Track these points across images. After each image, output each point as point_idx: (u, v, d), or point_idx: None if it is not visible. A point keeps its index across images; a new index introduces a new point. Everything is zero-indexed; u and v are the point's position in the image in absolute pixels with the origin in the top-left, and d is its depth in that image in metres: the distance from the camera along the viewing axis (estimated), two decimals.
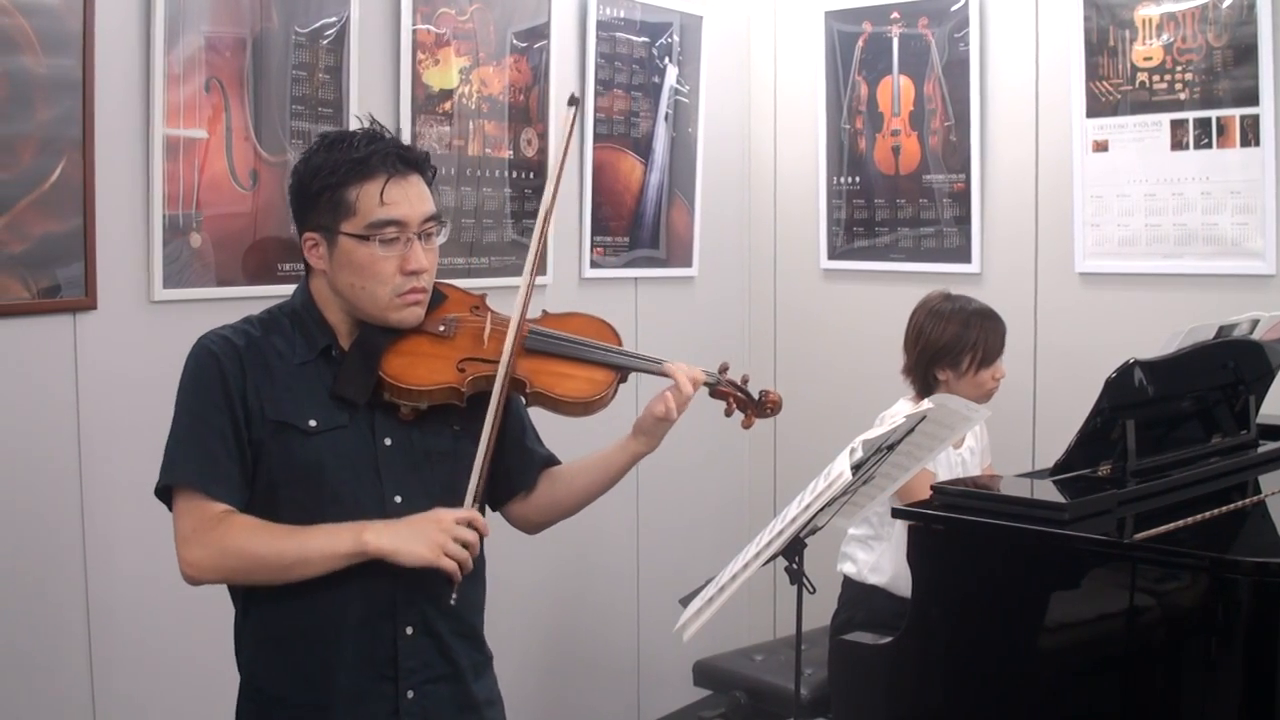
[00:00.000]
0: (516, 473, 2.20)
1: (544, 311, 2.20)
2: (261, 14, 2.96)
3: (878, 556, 3.29)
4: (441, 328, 2.05)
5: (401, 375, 1.99)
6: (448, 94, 3.44)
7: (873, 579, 3.29)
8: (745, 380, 2.24)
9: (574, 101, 2.18)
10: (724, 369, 2.23)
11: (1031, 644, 2.37)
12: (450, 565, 1.91)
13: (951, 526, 2.44)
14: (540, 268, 3.72)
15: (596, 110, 3.91)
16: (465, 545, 1.93)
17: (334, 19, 3.12)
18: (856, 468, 2.11)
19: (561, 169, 2.16)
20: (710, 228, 4.36)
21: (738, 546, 2.35)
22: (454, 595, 1.95)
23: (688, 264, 4.31)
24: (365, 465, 1.99)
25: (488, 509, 2.16)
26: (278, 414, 1.95)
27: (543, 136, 3.73)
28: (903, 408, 3.27)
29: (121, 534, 2.78)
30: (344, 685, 1.97)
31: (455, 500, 1.98)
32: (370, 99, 3.22)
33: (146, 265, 2.80)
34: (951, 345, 3.23)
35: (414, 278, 1.98)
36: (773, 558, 2.23)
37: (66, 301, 2.66)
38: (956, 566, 2.48)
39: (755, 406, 2.23)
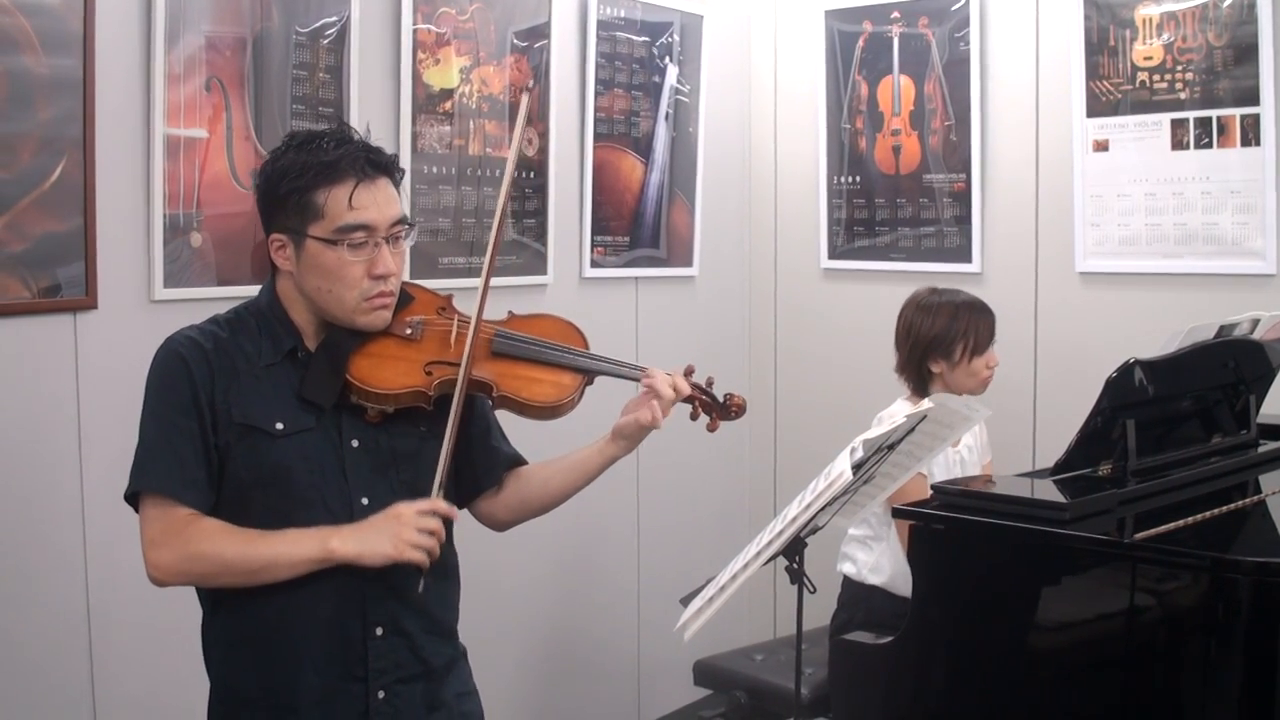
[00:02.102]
0: (482, 471, 2.19)
1: (510, 313, 2.18)
2: (262, 13, 2.96)
3: (877, 556, 3.29)
4: (409, 330, 2.05)
5: (368, 378, 1.98)
6: (448, 93, 3.44)
7: (872, 579, 3.28)
8: (710, 383, 2.21)
9: (528, 90, 2.19)
10: (689, 372, 2.20)
11: (1032, 643, 2.37)
12: (416, 556, 1.91)
13: (952, 526, 2.44)
14: (541, 268, 3.75)
15: (597, 110, 3.91)
16: (432, 533, 1.92)
17: (334, 18, 3.12)
18: (857, 467, 2.11)
19: (514, 160, 2.14)
20: (711, 227, 4.36)
21: (738, 546, 2.35)
22: (422, 583, 1.95)
23: (688, 264, 4.31)
24: (332, 467, 1.98)
25: (455, 509, 2.15)
26: (244, 417, 1.94)
27: (543, 136, 3.73)
28: (901, 408, 3.27)
29: (122, 533, 2.77)
30: (313, 685, 1.97)
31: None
32: (371, 98, 3.22)
33: (147, 265, 2.80)
34: (942, 336, 3.24)
35: (381, 281, 1.98)
36: (773, 557, 2.22)
37: (67, 301, 2.66)
38: (957, 566, 2.48)
39: (720, 409, 2.20)
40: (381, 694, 2.00)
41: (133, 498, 1.96)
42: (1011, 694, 2.37)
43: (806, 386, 4.45)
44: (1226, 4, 3.50)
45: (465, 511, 2.23)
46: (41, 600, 2.66)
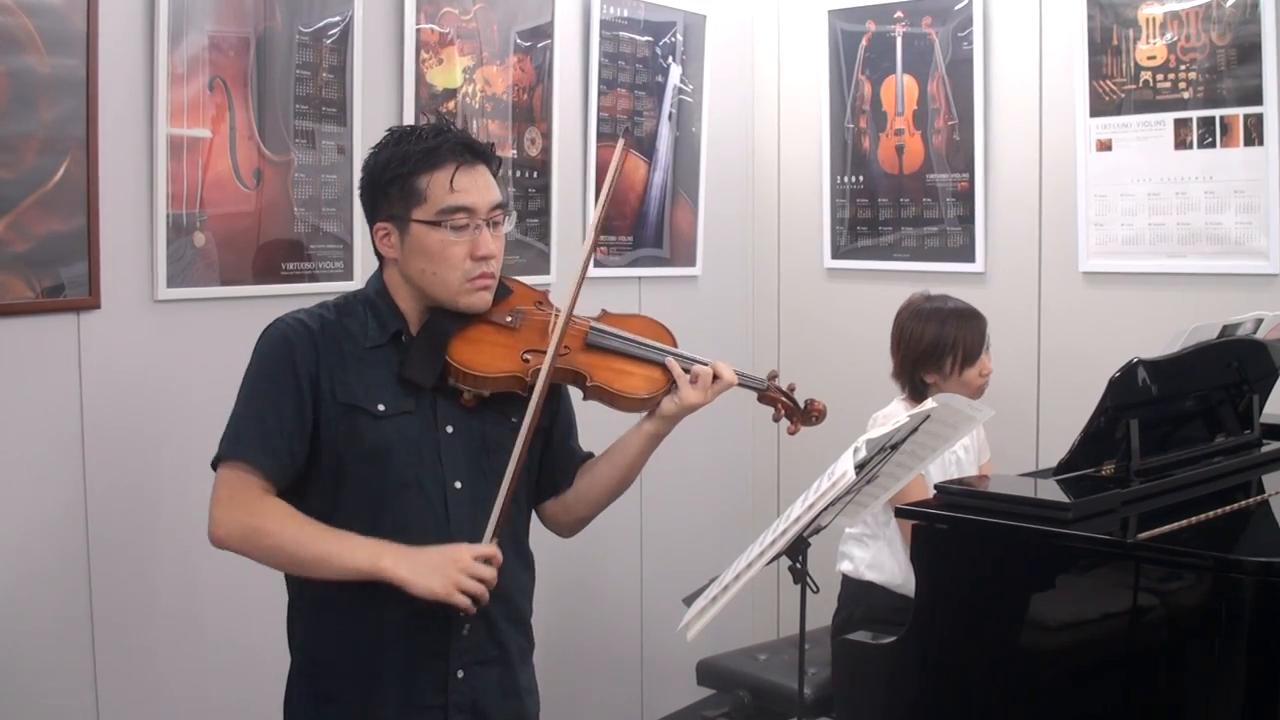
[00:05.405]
0: (560, 472, 2.27)
1: (603, 310, 2.28)
2: (265, 13, 2.96)
3: (874, 553, 3.29)
4: (509, 318, 2.14)
5: (467, 360, 2.07)
6: (451, 93, 3.44)
7: (870, 575, 3.29)
8: (792, 388, 2.38)
9: (626, 133, 2.27)
10: (772, 376, 2.36)
11: (1035, 644, 2.37)
12: (462, 602, 1.97)
13: (955, 526, 2.44)
14: (544, 268, 3.75)
15: (600, 110, 3.91)
16: (483, 581, 1.98)
17: (338, 18, 3.12)
18: (860, 467, 2.11)
19: (609, 190, 2.23)
20: (714, 227, 4.36)
21: (741, 546, 2.35)
22: (467, 625, 2.05)
23: (691, 263, 4.31)
24: (429, 451, 2.06)
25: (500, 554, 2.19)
26: (348, 396, 2.03)
27: (546, 136, 3.73)
28: (896, 408, 3.28)
29: (125, 534, 2.78)
30: (394, 657, 2.05)
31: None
32: (374, 98, 3.22)
33: (150, 264, 2.80)
34: (931, 348, 3.25)
35: (483, 263, 2.07)
36: (776, 557, 2.23)
37: (70, 301, 2.66)
38: (960, 566, 2.48)
39: (801, 414, 2.36)
40: (460, 673, 2.08)
41: (217, 465, 2.04)
42: (1015, 694, 2.37)
43: (809, 386, 4.41)
44: (1230, 3, 3.49)
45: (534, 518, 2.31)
46: (44, 601, 2.66)
